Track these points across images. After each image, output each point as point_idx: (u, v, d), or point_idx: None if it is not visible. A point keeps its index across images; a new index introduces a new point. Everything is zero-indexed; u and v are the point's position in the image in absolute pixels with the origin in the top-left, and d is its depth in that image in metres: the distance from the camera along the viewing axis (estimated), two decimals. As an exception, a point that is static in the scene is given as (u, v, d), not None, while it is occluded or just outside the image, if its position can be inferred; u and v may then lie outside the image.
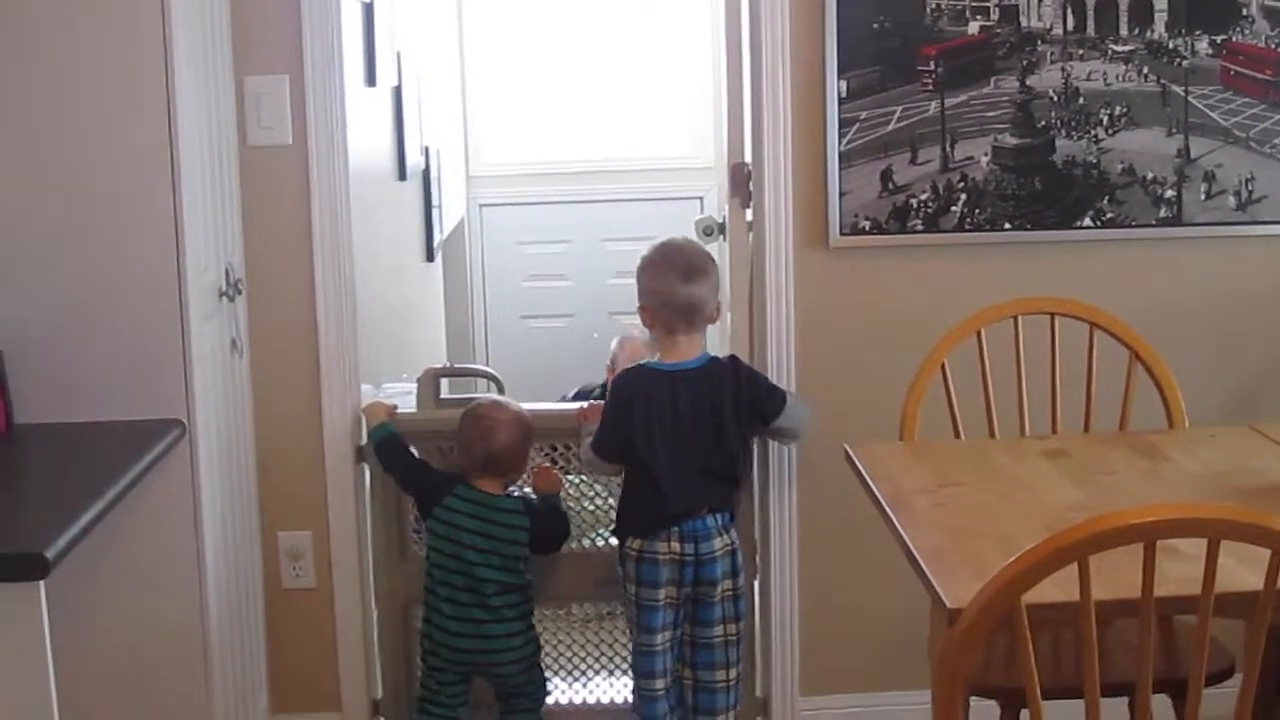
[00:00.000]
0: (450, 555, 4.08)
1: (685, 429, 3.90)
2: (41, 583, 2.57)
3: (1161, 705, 3.02)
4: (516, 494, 4.16)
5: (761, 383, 4.05)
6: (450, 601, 4.08)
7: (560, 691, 4.46)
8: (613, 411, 3.98)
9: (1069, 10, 4.19)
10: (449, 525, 4.08)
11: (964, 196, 4.22)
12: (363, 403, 4.30)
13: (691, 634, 4.02)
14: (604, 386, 6.11)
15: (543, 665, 4.24)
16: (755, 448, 4.19)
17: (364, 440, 4.26)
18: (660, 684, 3.98)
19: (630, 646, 4.09)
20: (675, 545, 3.90)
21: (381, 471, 4.24)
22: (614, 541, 4.29)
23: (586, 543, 4.36)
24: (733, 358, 4.09)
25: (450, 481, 4.13)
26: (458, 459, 4.18)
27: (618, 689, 4.47)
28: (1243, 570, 2.36)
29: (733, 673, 4.05)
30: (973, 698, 3.09)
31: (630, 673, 4.12)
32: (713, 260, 4.04)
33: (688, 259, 3.97)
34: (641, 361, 4.02)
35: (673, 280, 3.92)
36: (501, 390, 4.49)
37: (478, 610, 4.06)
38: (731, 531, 4.00)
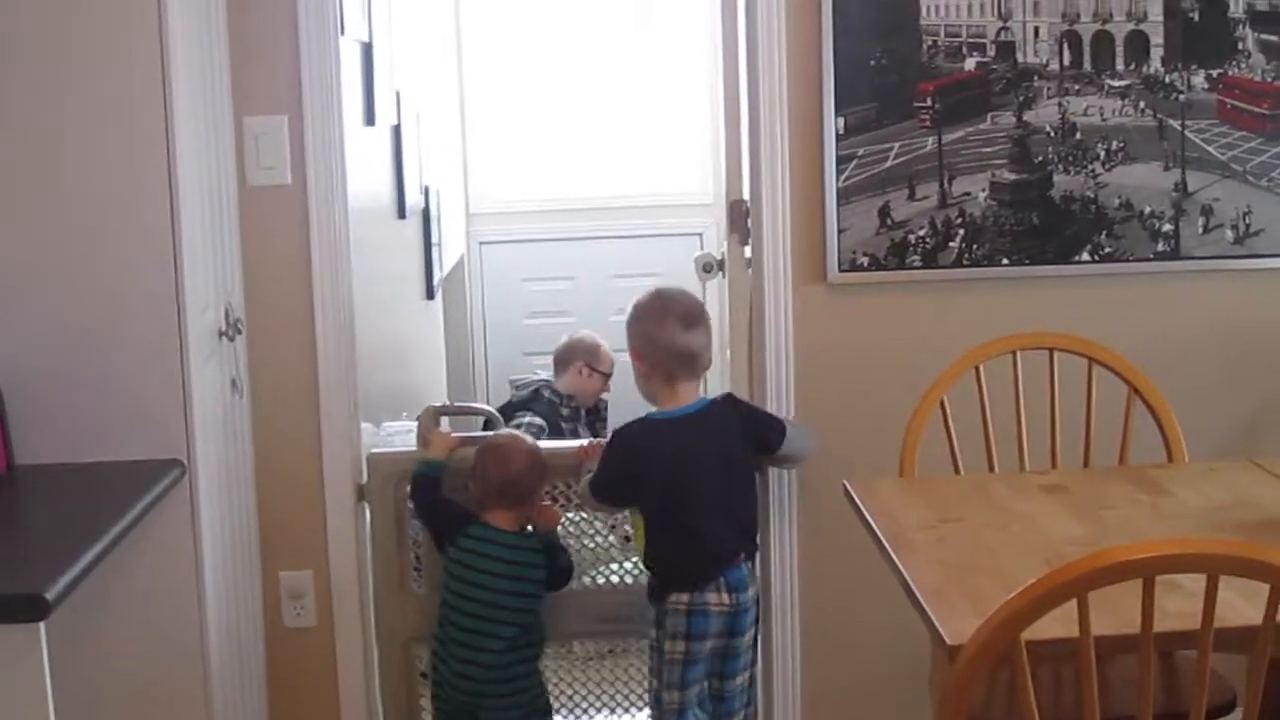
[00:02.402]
0: (463, 595, 4.08)
1: (708, 474, 3.88)
2: (42, 624, 2.57)
3: (1163, 740, 3.02)
4: (530, 530, 4.17)
5: (761, 415, 4.07)
6: (459, 644, 4.08)
7: (562, 729, 4.46)
8: (616, 460, 3.96)
9: (1065, 46, 4.20)
10: (464, 565, 4.09)
11: (962, 232, 4.23)
12: (363, 442, 4.31)
13: (719, 688, 3.99)
14: (549, 388, 6.19)
15: (549, 709, 4.24)
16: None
17: (364, 479, 4.27)
18: None
19: (647, 688, 4.05)
20: (725, 596, 3.87)
21: (394, 504, 4.27)
22: (614, 580, 4.30)
23: (587, 580, 4.36)
24: (729, 395, 4.10)
25: (466, 520, 4.14)
26: (472, 492, 4.19)
27: (620, 727, 4.48)
28: (1243, 604, 2.36)
29: (749, 711, 4.07)
30: (974, 734, 3.09)
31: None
32: (700, 303, 4.06)
33: (686, 308, 3.98)
34: (645, 414, 3.99)
35: (674, 329, 3.92)
36: (497, 428, 4.48)
37: (484, 654, 4.07)
38: (755, 578, 4.01)
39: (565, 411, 6.28)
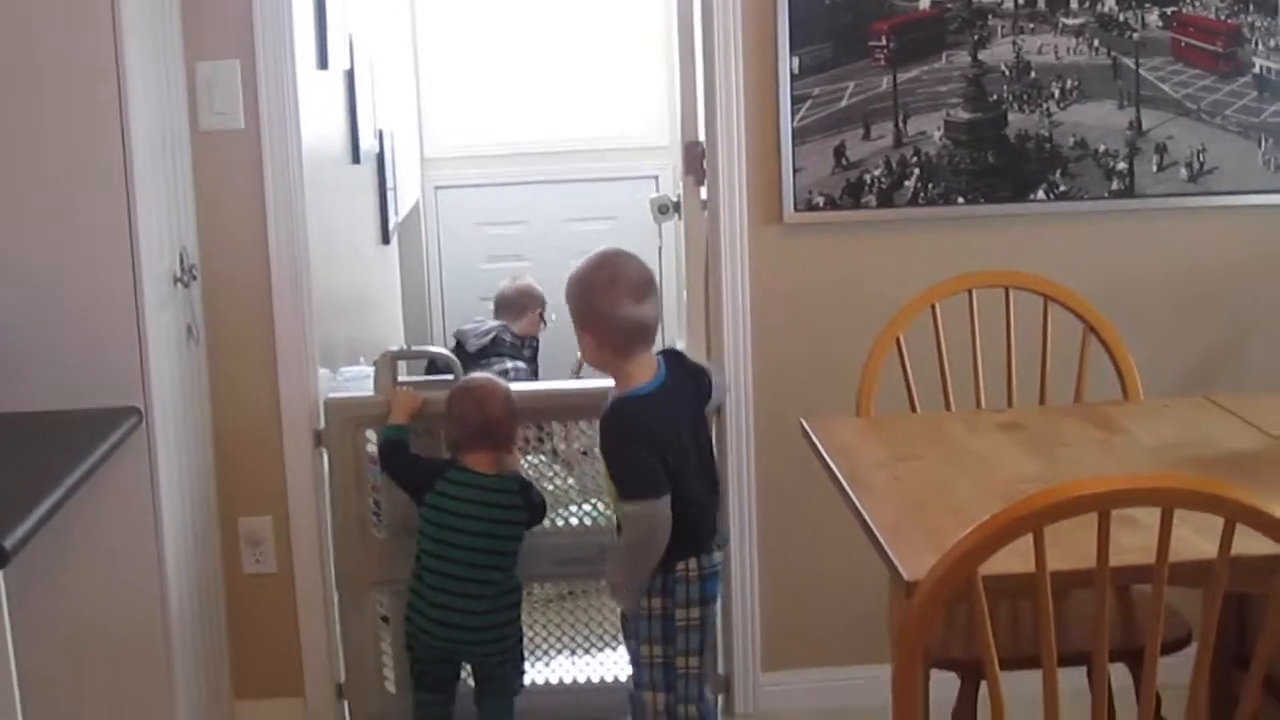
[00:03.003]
0: (442, 540, 4.08)
1: (686, 440, 3.80)
2: (0, 572, 2.57)
3: (1120, 674, 3.05)
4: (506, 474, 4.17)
5: (700, 369, 3.95)
6: (441, 591, 4.08)
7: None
8: (639, 445, 3.69)
9: (1019, -16, 4.21)
10: (443, 511, 4.08)
11: (917, 172, 4.23)
12: (320, 387, 4.30)
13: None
14: (507, 331, 6.23)
15: (524, 656, 4.26)
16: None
17: (322, 424, 4.26)
18: (707, 701, 3.92)
19: (630, 656, 3.95)
20: (718, 554, 3.85)
21: (352, 450, 4.28)
22: (574, 523, 4.31)
23: (547, 523, 4.35)
24: (676, 354, 3.98)
25: (441, 467, 4.14)
26: (450, 434, 4.19)
27: (580, 669, 4.49)
28: (1197, 539, 2.38)
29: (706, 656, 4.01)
30: (933, 670, 3.11)
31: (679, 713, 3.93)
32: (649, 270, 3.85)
33: (637, 279, 3.72)
34: (621, 395, 3.77)
35: (627, 305, 3.68)
36: (456, 373, 4.47)
37: (462, 599, 4.07)
38: None
39: (526, 353, 6.34)
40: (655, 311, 3.75)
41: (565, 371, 6.14)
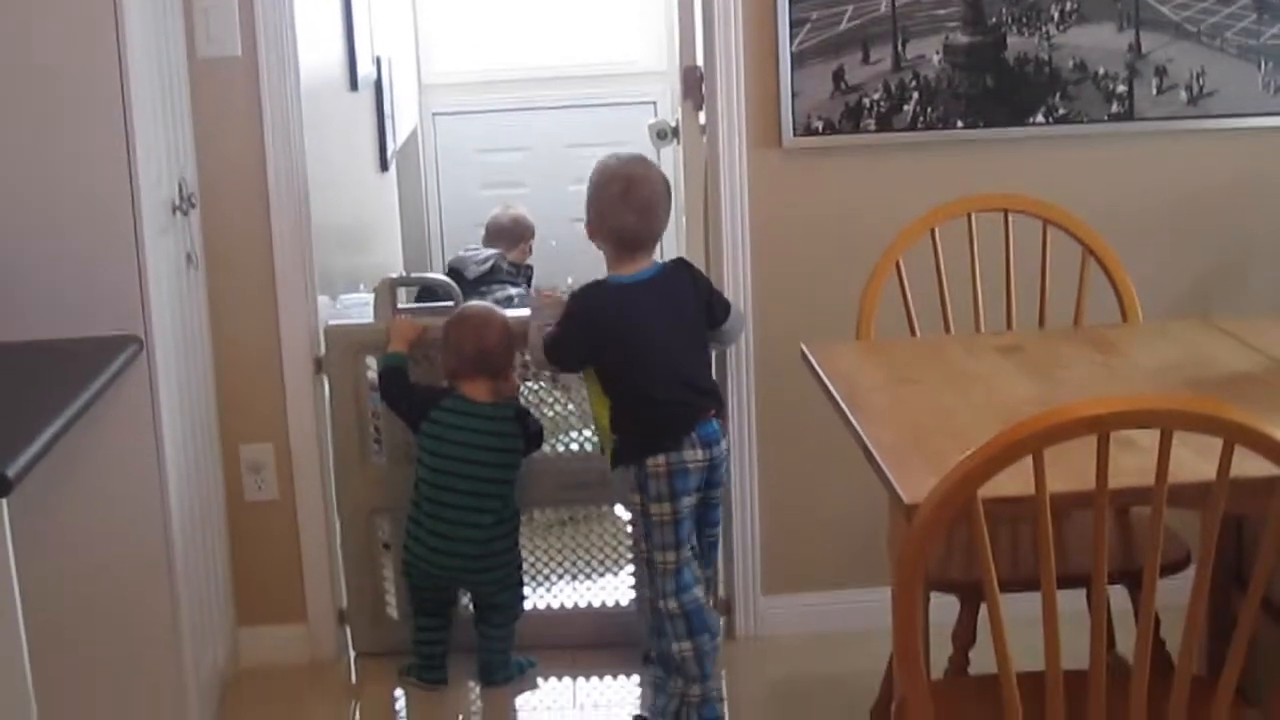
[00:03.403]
0: (438, 469, 4.10)
1: (668, 336, 3.88)
2: (3, 501, 2.57)
3: (1119, 596, 3.06)
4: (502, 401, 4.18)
5: (710, 285, 4.07)
6: (435, 517, 4.11)
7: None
8: (579, 327, 3.92)
9: (1018, -94, 4.18)
10: (439, 439, 4.10)
11: (916, 95, 4.22)
12: (320, 315, 4.30)
13: (696, 541, 4.02)
14: (504, 259, 6.27)
15: (523, 582, 4.29)
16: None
17: (322, 351, 4.27)
18: (698, 590, 3.95)
19: (633, 554, 4.11)
20: (699, 452, 3.87)
21: (352, 377, 4.31)
22: (574, 448, 4.33)
23: (547, 449, 4.37)
24: (681, 260, 4.10)
25: (437, 395, 4.14)
26: (446, 362, 4.19)
27: (581, 593, 4.51)
28: (1196, 460, 2.38)
29: (710, 570, 4.16)
30: (933, 593, 3.13)
31: (662, 609, 3.98)
32: (667, 183, 3.99)
33: (648, 195, 3.90)
34: (599, 278, 3.96)
35: (628, 218, 3.87)
36: (457, 300, 4.48)
37: (460, 528, 4.10)
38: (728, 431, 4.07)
39: (521, 281, 6.37)
40: (656, 226, 3.93)
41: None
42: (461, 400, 4.11)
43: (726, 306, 4.05)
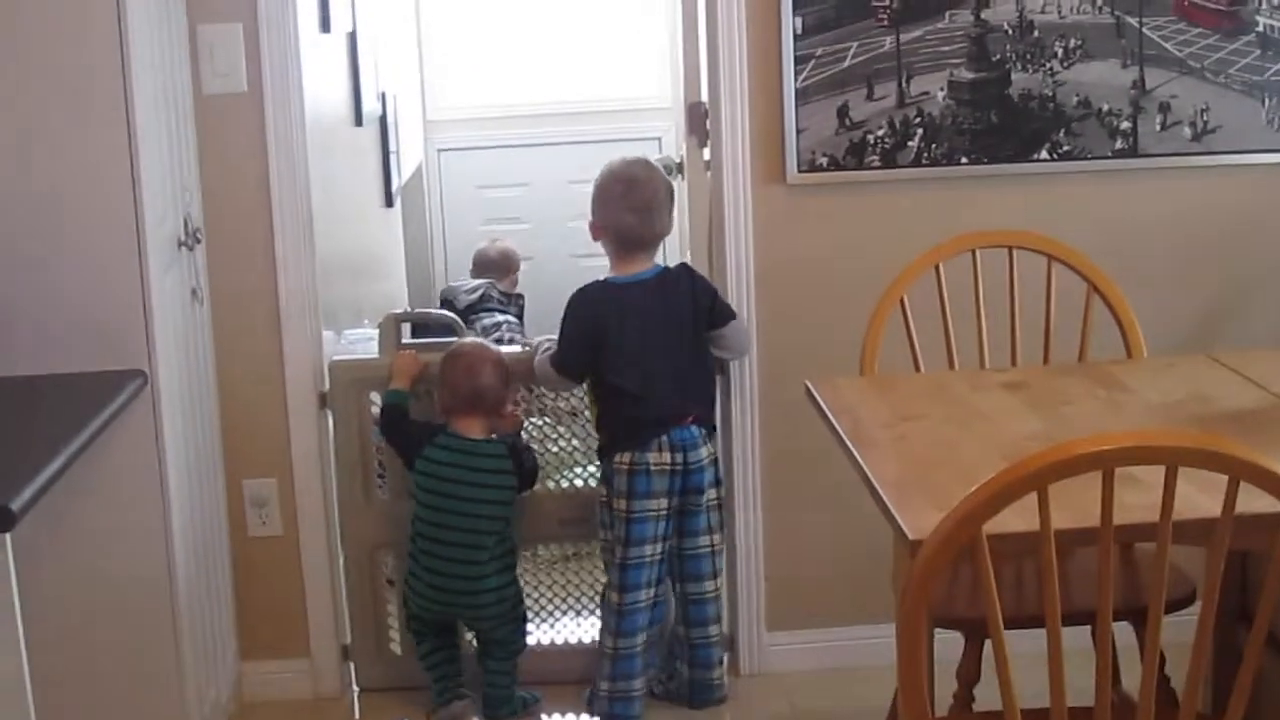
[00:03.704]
0: (433, 506, 4.10)
1: (656, 337, 4.00)
2: (7, 535, 2.57)
3: (1123, 632, 3.05)
4: (496, 437, 4.18)
5: (712, 289, 4.16)
6: (430, 554, 4.11)
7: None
8: (577, 326, 4.06)
9: (1022, -57, 4.19)
10: (432, 475, 4.10)
11: (920, 131, 4.22)
12: (324, 350, 4.30)
13: (679, 546, 4.12)
14: (494, 288, 6.29)
15: (525, 616, 4.29)
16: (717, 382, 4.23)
17: (326, 386, 4.27)
18: (645, 595, 4.06)
19: (607, 579, 4.17)
20: (665, 455, 3.97)
21: (356, 411, 4.32)
22: (579, 484, 4.33)
23: (551, 485, 4.37)
24: (684, 265, 4.21)
25: (432, 431, 4.15)
26: (441, 399, 4.20)
27: (585, 629, 4.49)
28: (1201, 497, 2.37)
29: (720, 581, 4.20)
30: (938, 629, 3.12)
31: (606, 599, 4.16)
32: (670, 185, 4.15)
33: (648, 196, 4.07)
34: (599, 278, 4.11)
35: (628, 218, 4.04)
36: (460, 335, 4.48)
37: (455, 565, 4.10)
38: (713, 442, 4.11)
39: (513, 310, 6.42)
40: (656, 227, 4.10)
41: (551, 328, 6.17)
42: (454, 437, 4.12)
43: (730, 313, 4.12)
